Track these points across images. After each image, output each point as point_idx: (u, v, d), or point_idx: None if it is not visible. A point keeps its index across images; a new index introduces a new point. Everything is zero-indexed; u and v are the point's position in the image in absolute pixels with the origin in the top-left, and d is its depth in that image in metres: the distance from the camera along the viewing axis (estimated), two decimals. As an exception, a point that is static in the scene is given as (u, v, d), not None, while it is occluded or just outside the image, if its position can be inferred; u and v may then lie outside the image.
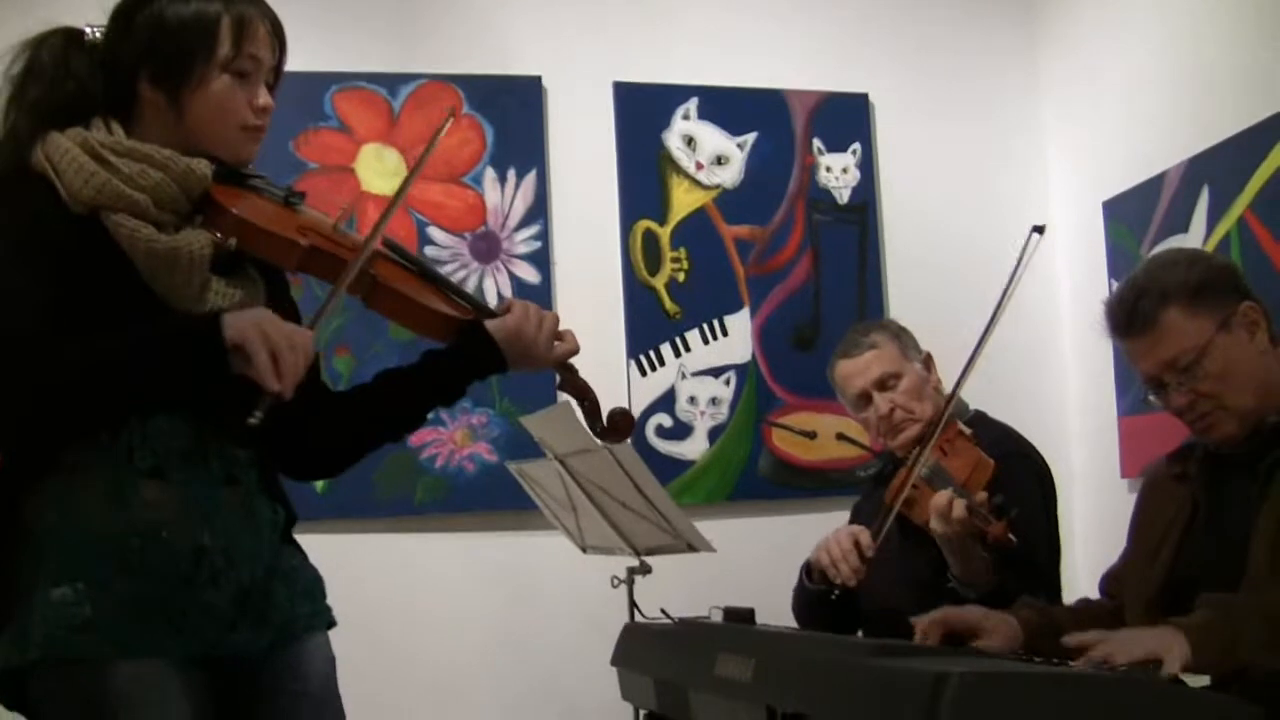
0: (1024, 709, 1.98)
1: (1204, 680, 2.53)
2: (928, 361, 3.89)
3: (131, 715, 2.26)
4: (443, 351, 2.68)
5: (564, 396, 2.95)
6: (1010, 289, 3.41)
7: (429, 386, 2.69)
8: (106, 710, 2.25)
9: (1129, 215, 4.87)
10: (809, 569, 3.76)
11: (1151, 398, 2.98)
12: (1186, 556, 2.93)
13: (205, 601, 2.31)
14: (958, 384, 3.55)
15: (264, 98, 2.49)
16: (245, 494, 2.41)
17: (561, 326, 2.73)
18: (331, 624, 2.60)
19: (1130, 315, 2.90)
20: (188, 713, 2.32)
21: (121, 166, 2.29)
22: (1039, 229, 3.37)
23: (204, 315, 2.28)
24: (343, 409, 2.72)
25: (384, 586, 4.65)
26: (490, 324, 2.63)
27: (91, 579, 2.24)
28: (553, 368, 2.77)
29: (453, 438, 4.78)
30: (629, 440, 3.17)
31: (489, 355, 2.64)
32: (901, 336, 3.89)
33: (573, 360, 2.79)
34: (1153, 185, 4.70)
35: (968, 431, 3.54)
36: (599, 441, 2.96)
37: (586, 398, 2.82)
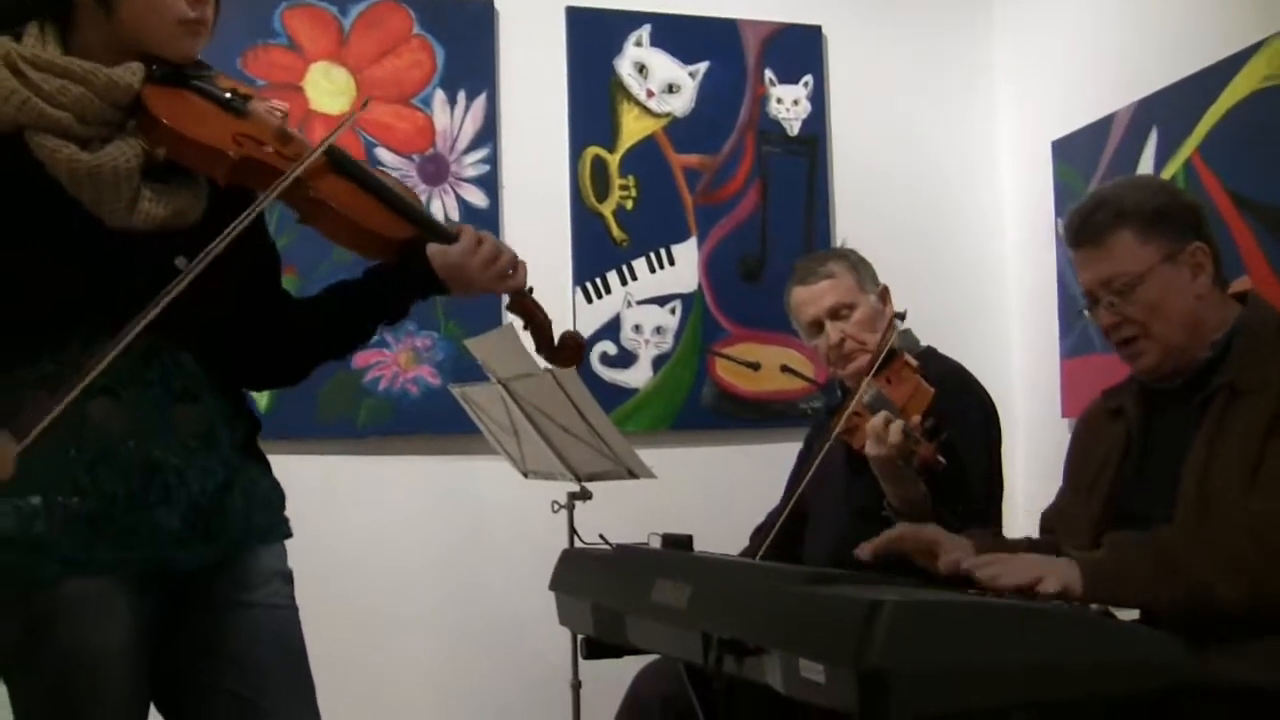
0: (956, 637, 2.00)
1: (1134, 614, 2.56)
2: (884, 294, 3.90)
3: (71, 630, 2.27)
4: (384, 271, 2.66)
5: (509, 319, 2.94)
6: (887, 338, 3.48)
7: (372, 303, 2.68)
8: (49, 624, 2.26)
9: (1077, 156, 4.88)
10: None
11: (1086, 312, 3.01)
12: (1122, 490, 2.97)
13: (155, 519, 2.30)
14: (892, 321, 3.57)
15: None
16: (203, 410, 2.39)
17: (508, 251, 2.71)
18: (287, 535, 2.60)
19: (1084, 224, 2.93)
20: (129, 628, 2.32)
21: (41, 83, 2.25)
22: (900, 316, 3.44)
23: None
24: (300, 320, 2.70)
25: (325, 508, 4.64)
26: (431, 252, 2.60)
27: (43, 498, 2.23)
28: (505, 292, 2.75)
29: (397, 360, 4.76)
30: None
31: (428, 281, 2.63)
32: (859, 268, 3.89)
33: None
34: (1101, 126, 4.72)
35: (914, 363, 3.55)
36: (547, 365, 2.95)
37: (536, 320, 2.80)
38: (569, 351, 2.83)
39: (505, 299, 2.78)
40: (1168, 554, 2.55)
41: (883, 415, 3.26)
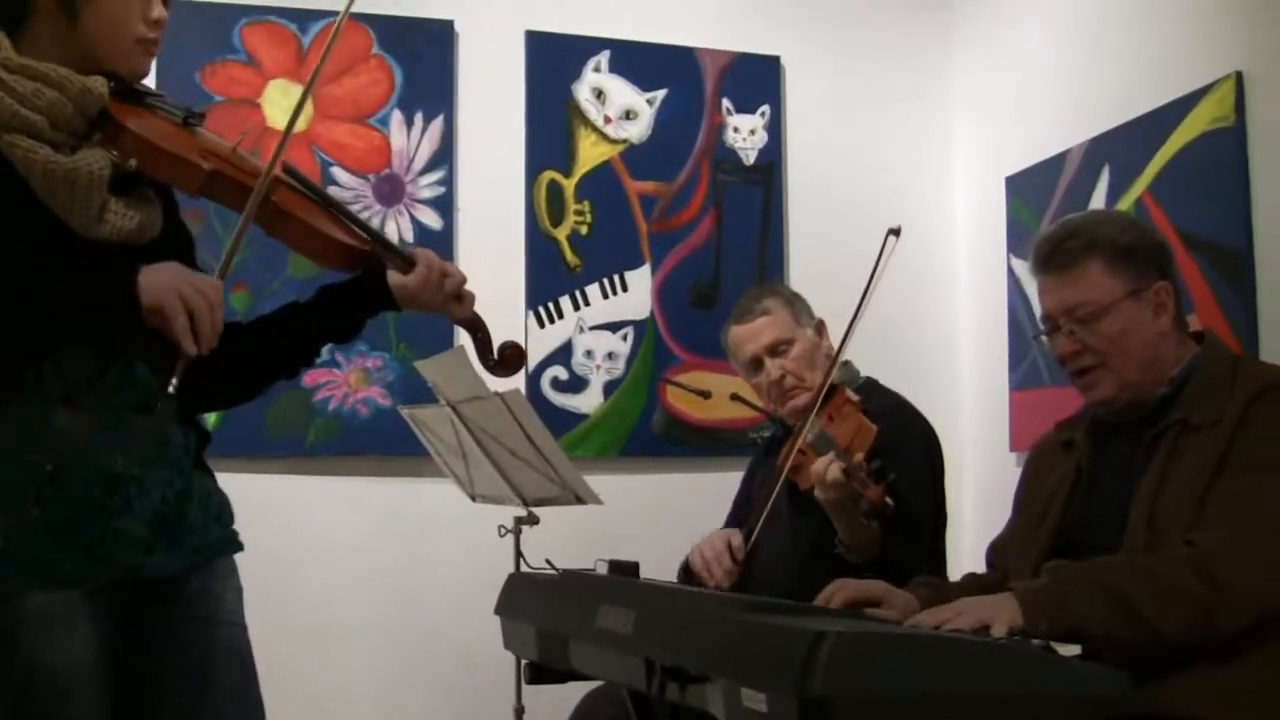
0: (898, 668, 2.01)
1: (1075, 650, 2.58)
2: (820, 328, 3.91)
3: (36, 645, 2.26)
4: (338, 288, 2.70)
5: (459, 342, 2.96)
6: (870, 290, 3.43)
7: (323, 322, 2.71)
8: (12, 639, 2.24)
9: (1030, 191, 4.91)
10: (687, 569, 3.79)
11: (1043, 337, 3.03)
12: (1071, 522, 2.99)
13: (120, 528, 2.30)
14: (837, 354, 3.58)
15: (158, 10, 2.45)
16: (158, 421, 2.39)
17: (463, 272, 2.75)
18: (239, 548, 2.60)
19: (1053, 250, 2.95)
20: (94, 644, 2.31)
21: (15, 85, 2.25)
22: (895, 231, 3.39)
23: (120, 276, 2.25)
24: (240, 342, 2.70)
25: (272, 528, 4.59)
26: (392, 280, 2.65)
27: (6, 508, 2.22)
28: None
29: (347, 380, 4.75)
30: (521, 387, 3.17)
31: (381, 295, 2.67)
32: (795, 303, 3.91)
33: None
34: (1055, 163, 4.75)
35: (855, 399, 3.56)
36: (490, 375, 2.98)
37: (479, 331, 2.84)
38: (510, 360, 2.87)
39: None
40: (1113, 589, 2.56)
41: (826, 458, 3.27)
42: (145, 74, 2.49)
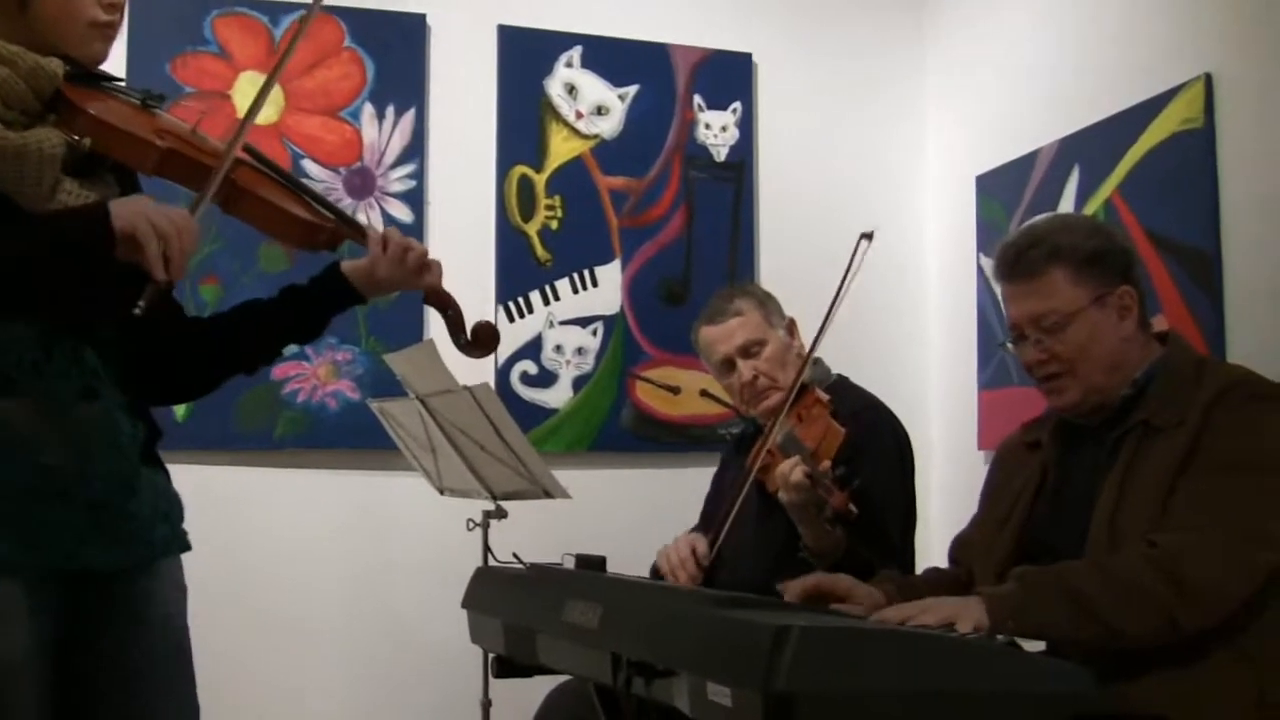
0: (863, 663, 2.01)
1: (1040, 646, 2.59)
2: (791, 328, 3.91)
3: None
4: (300, 287, 2.69)
5: (429, 334, 2.95)
6: (842, 293, 3.43)
7: (286, 321, 2.71)
8: None
9: (1001, 190, 4.93)
10: (655, 573, 3.79)
11: (1010, 344, 3.04)
12: (1035, 523, 3.00)
13: (54, 516, 2.28)
14: (808, 355, 3.58)
15: None
16: (104, 408, 2.37)
17: (424, 246, 2.75)
18: (186, 548, 2.58)
19: (1018, 259, 2.96)
20: (33, 637, 2.30)
21: None
22: (867, 235, 3.38)
23: (91, 207, 2.25)
24: (201, 336, 2.70)
25: (239, 519, 4.61)
26: (346, 266, 2.67)
27: None
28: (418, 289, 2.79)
29: (316, 373, 4.74)
30: (490, 381, 3.16)
31: (345, 291, 2.68)
32: (766, 303, 3.91)
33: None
34: (1025, 162, 4.76)
35: (825, 399, 3.56)
36: (462, 354, 2.95)
37: (450, 309, 2.82)
38: (483, 341, 2.86)
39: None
40: (1078, 593, 2.57)
41: (790, 462, 3.28)
42: (103, 59, 2.48)
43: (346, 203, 4.79)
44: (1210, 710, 2.62)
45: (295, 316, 2.71)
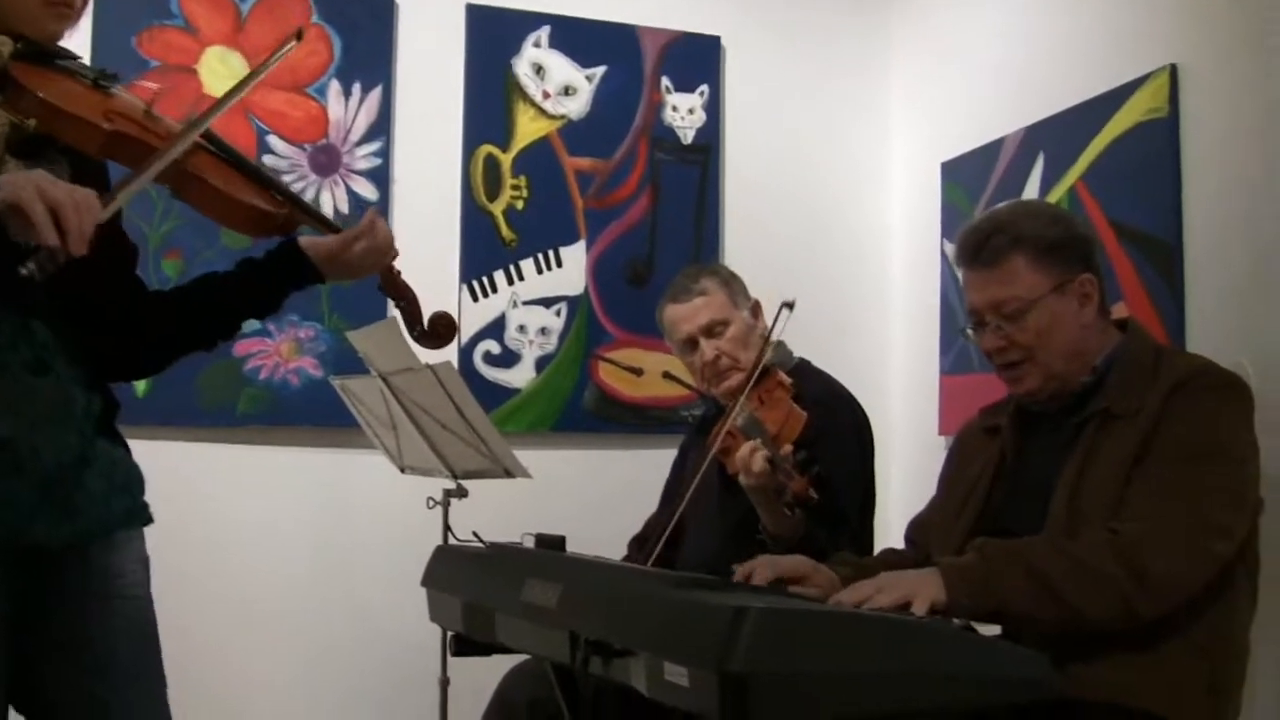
0: (819, 645, 2.03)
1: (995, 629, 2.61)
2: (755, 309, 3.92)
3: None
4: (258, 262, 2.67)
5: (392, 312, 2.94)
6: (760, 361, 3.46)
7: (243, 296, 2.69)
8: None
9: (966, 177, 4.94)
10: None
11: (970, 331, 3.06)
12: (993, 508, 3.02)
13: (6, 491, 2.27)
14: (769, 337, 3.58)
15: None
16: (55, 382, 2.35)
17: (397, 247, 2.74)
18: (148, 521, 2.56)
19: (979, 246, 2.97)
20: None
21: None
22: (788, 305, 3.38)
23: None
24: (159, 310, 2.68)
25: (200, 496, 4.60)
26: (306, 243, 2.64)
27: None
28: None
29: (279, 350, 4.72)
30: (454, 360, 3.15)
31: (304, 268, 2.66)
32: (731, 283, 3.91)
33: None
34: (991, 150, 4.77)
35: (787, 381, 3.57)
36: (416, 345, 2.94)
37: (405, 299, 2.82)
38: (439, 332, 2.85)
39: (377, 279, 2.81)
40: (1038, 572, 2.59)
41: (750, 445, 3.28)
42: (59, 36, 2.46)
43: (311, 179, 4.78)
44: (1162, 696, 2.64)
45: (251, 292, 2.69)
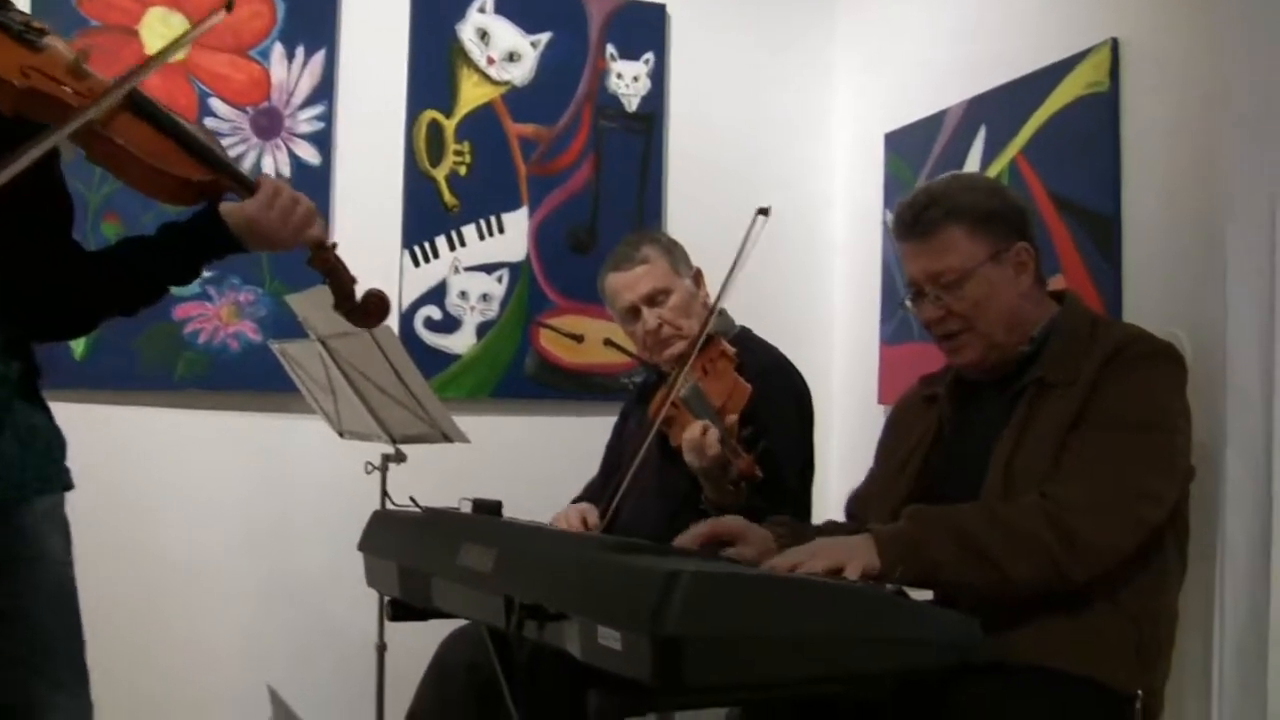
0: (752, 608, 2.04)
1: (928, 594, 2.62)
2: (697, 277, 3.93)
3: None
4: (177, 228, 2.62)
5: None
6: (736, 268, 3.42)
7: (162, 262, 2.64)
8: None
9: (908, 149, 4.95)
10: None
11: (909, 303, 3.08)
12: (930, 476, 3.05)
13: None
14: (714, 305, 3.59)
15: None
16: None
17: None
18: (67, 486, 2.54)
19: (915, 218, 3.00)
20: None
21: None
22: (764, 211, 3.38)
23: None
24: (85, 272, 2.63)
25: (139, 460, 4.58)
26: (225, 209, 2.59)
27: None
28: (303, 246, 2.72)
29: (218, 314, 4.69)
30: (394, 325, 3.13)
31: (222, 238, 2.60)
32: (673, 251, 3.92)
33: (329, 239, 2.75)
34: (933, 122, 4.78)
35: (730, 351, 3.58)
36: (347, 322, 2.91)
37: (335, 276, 2.77)
38: (371, 309, 2.80)
39: (308, 254, 2.75)
40: (969, 536, 2.61)
41: (701, 426, 3.29)
42: None
43: (254, 143, 4.74)
44: (1090, 659, 2.68)
45: (169, 260, 2.65)
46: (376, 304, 2.81)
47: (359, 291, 2.79)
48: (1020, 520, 2.64)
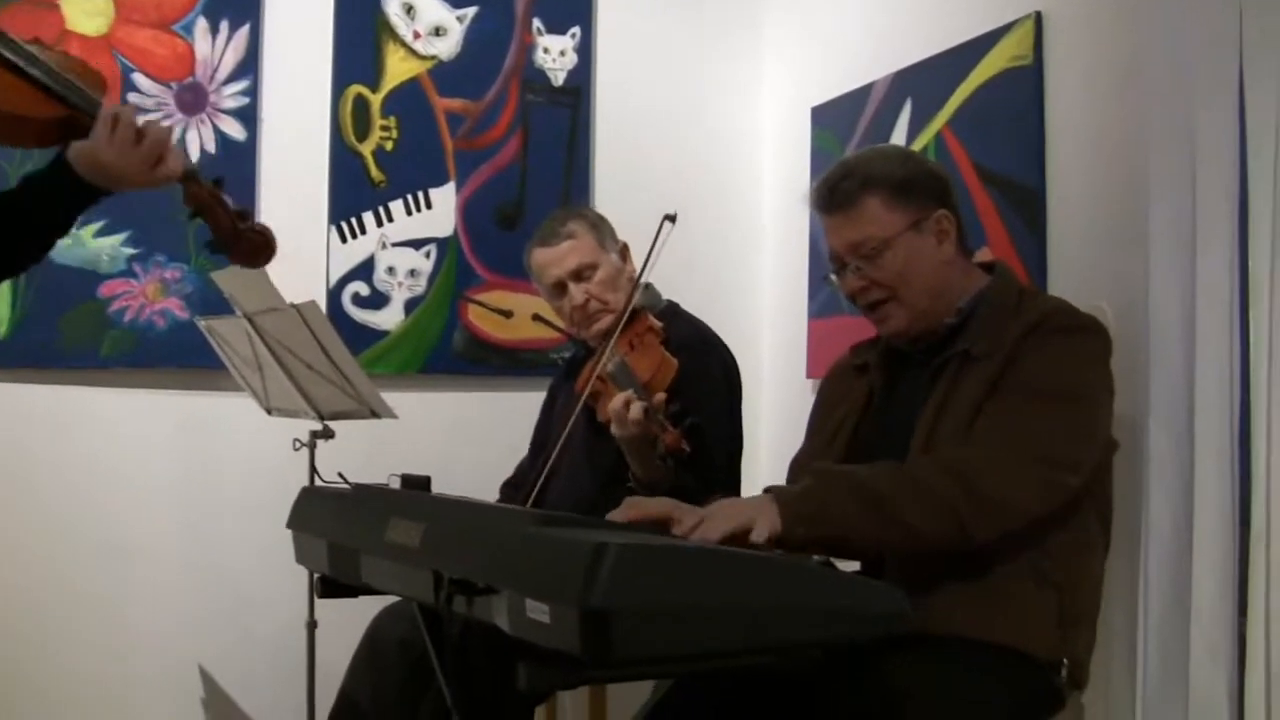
0: (680, 581, 2.05)
1: (854, 565, 2.64)
2: (624, 252, 3.93)
3: None
4: (34, 179, 2.52)
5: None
6: (645, 270, 3.45)
7: (26, 219, 2.53)
8: None
9: (835, 122, 4.96)
10: None
11: (833, 276, 3.09)
12: (859, 444, 3.06)
13: None
14: (639, 279, 3.59)
15: None
16: None
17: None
18: None
19: (832, 191, 3.01)
20: None
21: None
22: (670, 218, 3.36)
23: None
24: None
25: (64, 438, 4.55)
26: (72, 150, 2.47)
27: None
28: (166, 186, 2.60)
29: (144, 291, 4.66)
30: (321, 301, 3.10)
31: (75, 184, 2.48)
32: (600, 226, 3.92)
33: (194, 171, 2.64)
34: (860, 95, 4.79)
35: (657, 326, 3.58)
36: (237, 266, 2.84)
37: (209, 213, 2.66)
38: (251, 245, 2.71)
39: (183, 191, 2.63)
40: (872, 491, 2.62)
41: (624, 397, 3.29)
42: None
43: (178, 118, 4.70)
44: (1013, 629, 2.70)
45: (33, 213, 2.52)
46: (258, 239, 2.71)
47: (241, 225, 2.68)
48: (922, 474, 2.66)
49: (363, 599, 3.03)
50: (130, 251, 4.59)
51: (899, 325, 3.02)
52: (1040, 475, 2.70)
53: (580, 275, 3.83)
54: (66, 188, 2.49)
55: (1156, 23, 3.34)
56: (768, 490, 2.73)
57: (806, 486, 2.68)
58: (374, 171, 4.97)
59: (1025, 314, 2.89)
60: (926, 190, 3.01)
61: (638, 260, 3.37)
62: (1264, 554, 2.95)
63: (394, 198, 5.00)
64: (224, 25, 4.80)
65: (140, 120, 2.53)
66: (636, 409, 3.24)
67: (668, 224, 3.35)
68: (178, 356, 4.69)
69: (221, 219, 2.67)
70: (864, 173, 3.00)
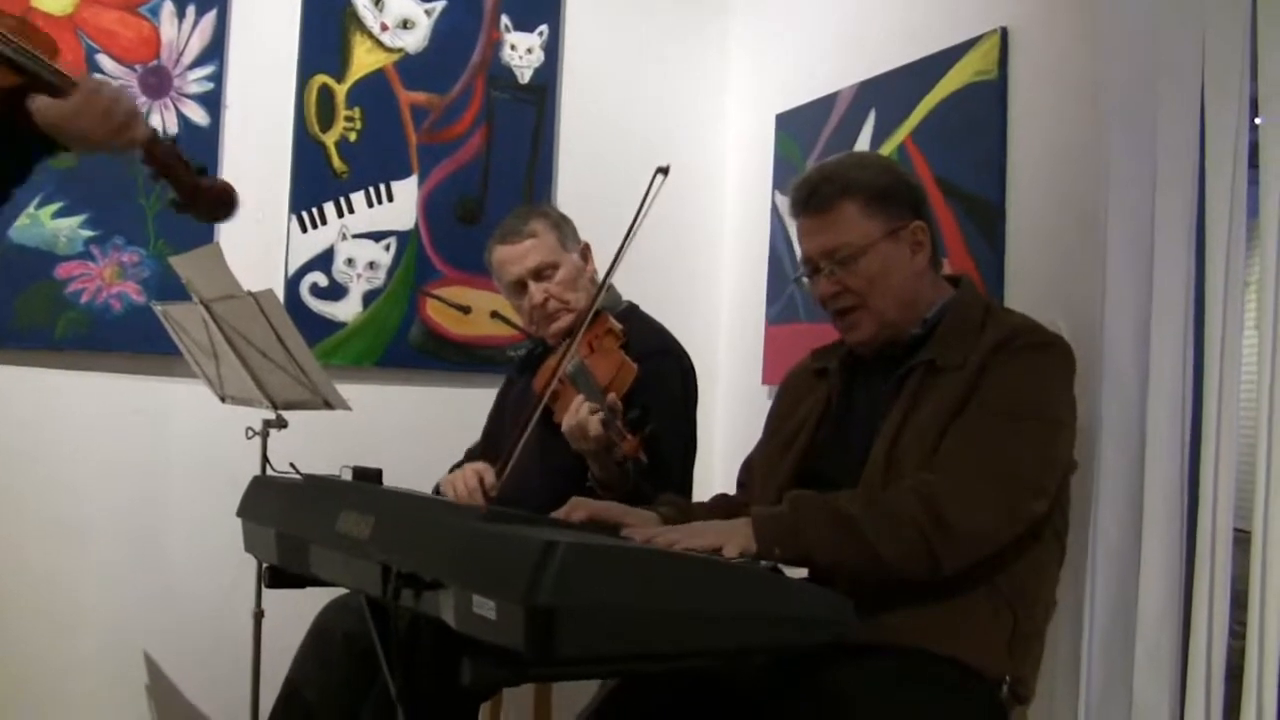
0: (627, 581, 2.05)
1: (803, 573, 2.65)
2: (585, 252, 3.94)
3: None
4: None
5: (218, 239, 2.84)
6: (636, 225, 3.42)
7: None
8: None
9: (799, 130, 4.98)
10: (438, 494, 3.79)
11: (804, 279, 3.09)
12: (817, 449, 3.07)
13: None
14: (604, 282, 3.59)
15: None
16: None
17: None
18: None
19: (810, 195, 3.01)
20: None
21: None
22: (663, 170, 3.38)
23: None
24: None
25: (13, 419, 4.52)
26: (37, 105, 2.49)
27: None
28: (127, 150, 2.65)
29: (101, 274, 4.63)
30: (279, 290, 3.07)
31: (37, 139, 2.53)
32: (561, 226, 3.92)
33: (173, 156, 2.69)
34: (824, 104, 4.81)
35: (618, 328, 3.59)
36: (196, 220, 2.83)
37: (171, 173, 2.70)
38: (212, 198, 2.75)
39: (141, 153, 2.68)
40: (845, 518, 2.63)
41: (586, 406, 3.30)
42: None
43: (142, 101, 4.68)
44: (960, 643, 2.71)
45: None
46: (220, 193, 2.76)
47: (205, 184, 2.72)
48: (895, 504, 2.66)
49: (310, 590, 3.02)
50: (89, 234, 4.56)
51: (866, 333, 3.02)
52: (1009, 504, 2.70)
53: (540, 274, 3.83)
54: (22, 138, 2.52)
55: (1120, 41, 3.36)
56: (748, 513, 2.73)
57: (781, 511, 2.69)
58: (336, 162, 4.96)
59: (993, 329, 2.89)
60: (904, 201, 3.02)
61: (632, 211, 3.36)
62: (1209, 567, 2.98)
63: (356, 189, 4.99)
64: (190, 9, 4.78)
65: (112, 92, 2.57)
66: (595, 424, 3.24)
67: (660, 176, 3.36)
68: (133, 341, 4.67)
69: (183, 177, 2.72)
70: (844, 179, 3.00)
